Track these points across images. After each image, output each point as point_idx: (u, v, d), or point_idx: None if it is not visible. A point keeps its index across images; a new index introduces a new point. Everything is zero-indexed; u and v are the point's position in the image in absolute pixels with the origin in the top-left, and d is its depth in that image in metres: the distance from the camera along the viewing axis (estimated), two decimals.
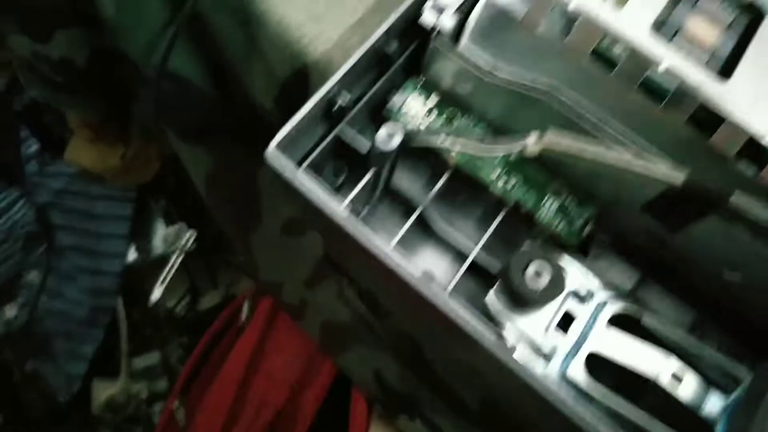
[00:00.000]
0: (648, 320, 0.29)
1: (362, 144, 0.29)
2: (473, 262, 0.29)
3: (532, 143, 0.27)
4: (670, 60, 0.27)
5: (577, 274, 0.29)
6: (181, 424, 0.82)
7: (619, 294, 0.30)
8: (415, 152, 0.30)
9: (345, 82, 0.28)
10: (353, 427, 0.75)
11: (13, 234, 0.95)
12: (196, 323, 1.02)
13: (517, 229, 0.30)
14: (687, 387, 0.27)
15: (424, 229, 0.30)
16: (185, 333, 1.05)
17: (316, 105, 0.27)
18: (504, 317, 0.28)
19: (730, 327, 0.30)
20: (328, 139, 0.28)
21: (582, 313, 0.29)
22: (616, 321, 0.29)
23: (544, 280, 0.27)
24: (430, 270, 0.26)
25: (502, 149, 0.27)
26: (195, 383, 0.84)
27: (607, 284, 0.30)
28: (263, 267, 0.67)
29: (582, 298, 0.29)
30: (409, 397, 0.61)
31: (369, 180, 0.28)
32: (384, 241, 0.26)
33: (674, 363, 0.27)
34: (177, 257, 0.99)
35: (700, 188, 0.26)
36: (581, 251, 0.31)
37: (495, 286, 0.28)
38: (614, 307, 0.29)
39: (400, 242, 0.29)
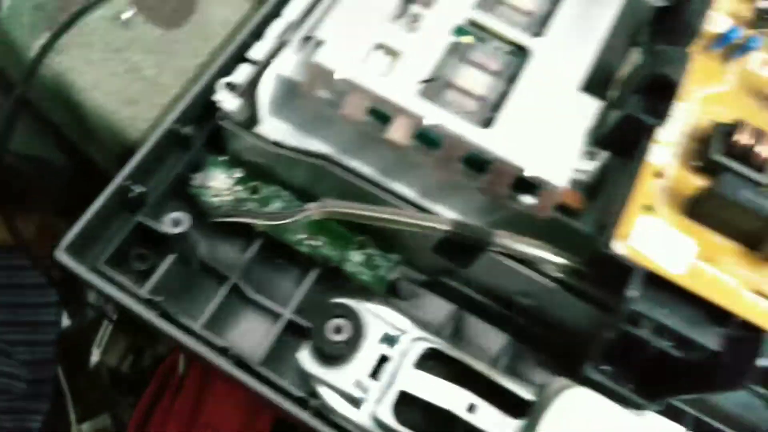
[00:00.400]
0: (455, 354, 0.31)
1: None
2: (295, 322, 0.31)
3: (313, 211, 0.29)
4: (435, 116, 0.29)
5: (388, 318, 0.31)
6: None
7: (434, 331, 0.32)
8: (227, 225, 0.32)
9: (140, 171, 0.30)
10: None
11: None
12: (142, 380, 1.01)
13: (333, 285, 0.32)
14: (483, 417, 0.29)
15: (239, 300, 0.32)
16: (133, 391, 1.05)
17: (107, 199, 0.29)
18: (316, 373, 0.29)
19: (543, 347, 0.33)
20: (129, 227, 0.30)
21: (394, 355, 0.31)
22: (433, 357, 0.31)
23: (346, 332, 0.29)
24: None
25: (289, 219, 0.29)
26: None
27: (425, 323, 0.32)
28: None
29: (393, 341, 0.31)
30: None
31: (174, 261, 0.30)
32: (192, 321, 0.28)
33: (468, 396, 0.29)
34: (111, 316, 0.99)
35: (464, 234, 0.28)
36: (396, 296, 0.33)
37: (304, 346, 0.30)
38: (422, 346, 0.31)
39: (218, 314, 0.31)
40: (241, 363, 0.29)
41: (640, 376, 0.30)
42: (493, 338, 0.33)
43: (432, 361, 0.31)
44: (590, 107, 0.31)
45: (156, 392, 0.87)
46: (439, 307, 0.34)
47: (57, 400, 0.96)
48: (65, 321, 0.98)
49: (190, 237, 0.29)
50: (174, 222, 0.28)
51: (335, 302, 0.30)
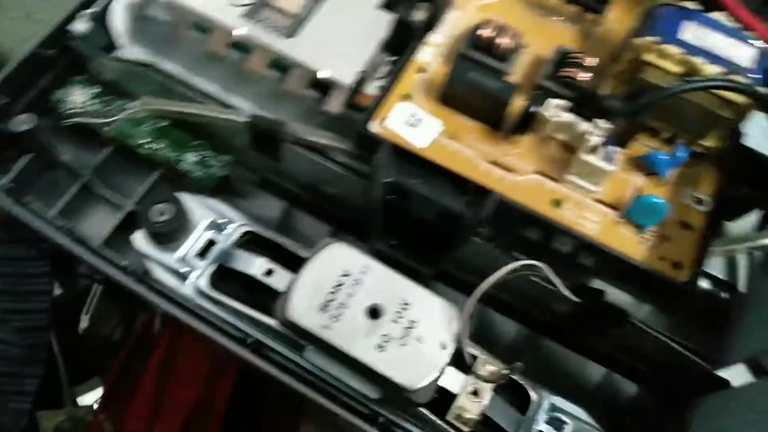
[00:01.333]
0: (268, 234, 0.36)
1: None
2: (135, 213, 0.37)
3: (136, 108, 0.35)
4: (244, 29, 0.35)
5: (218, 209, 0.37)
6: None
7: (267, 225, 0.37)
8: (83, 133, 0.38)
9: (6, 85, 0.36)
10: (266, 406, 0.82)
11: None
12: None
13: (175, 184, 0.38)
14: (278, 278, 0.34)
15: (90, 195, 0.38)
16: None
17: None
18: (145, 251, 0.35)
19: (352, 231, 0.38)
20: None
21: (220, 239, 0.36)
22: (254, 242, 0.37)
23: (168, 215, 0.35)
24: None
25: (117, 116, 0.35)
26: (119, 394, 0.91)
27: (259, 218, 0.38)
28: None
29: (221, 228, 0.36)
30: None
31: (31, 160, 0.36)
32: (46, 209, 0.34)
33: (264, 263, 0.34)
34: (97, 287, 1.06)
35: (261, 124, 0.34)
36: (233, 193, 0.39)
37: (138, 229, 0.35)
38: (242, 230, 0.36)
39: (71, 206, 0.37)
40: (82, 243, 0.35)
41: (415, 247, 0.34)
42: (314, 227, 0.38)
43: (252, 244, 0.37)
44: (384, 20, 0.36)
45: (132, 350, 0.94)
46: (271, 204, 0.39)
47: (51, 365, 1.04)
48: (57, 290, 1.06)
49: (41, 137, 0.35)
50: (20, 122, 0.34)
51: (161, 191, 0.35)
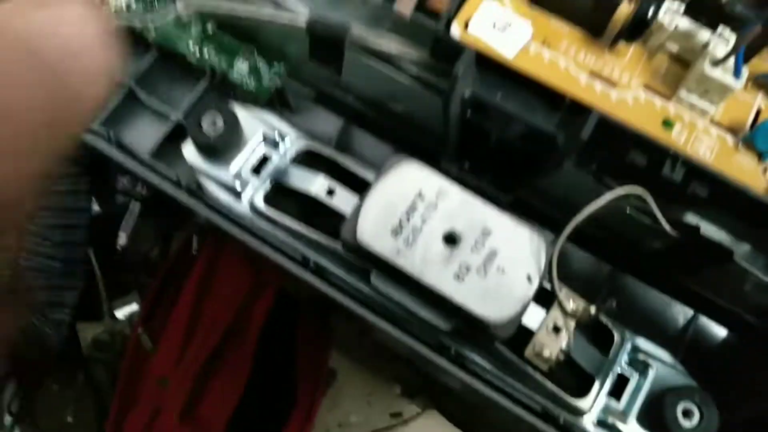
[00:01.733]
0: (328, 152, 0.33)
1: None
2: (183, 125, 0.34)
3: (181, 10, 0.31)
4: None
5: (272, 122, 0.34)
6: (147, 347, 0.90)
7: (323, 141, 0.34)
8: (125, 35, 0.34)
9: None
10: (301, 332, 0.82)
11: None
12: None
13: (223, 94, 0.35)
14: (340, 199, 0.31)
15: (135, 104, 0.34)
16: None
17: None
18: (197, 164, 0.32)
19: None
20: None
21: (275, 155, 0.33)
22: (311, 159, 0.33)
23: (220, 127, 0.32)
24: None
25: (161, 15, 0.31)
26: (156, 311, 0.91)
27: (315, 134, 0.34)
28: None
29: (275, 144, 0.33)
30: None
31: None
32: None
33: (325, 181, 0.31)
34: (134, 205, 1.06)
35: (322, 29, 0.30)
36: (287, 107, 0.35)
37: (189, 142, 0.32)
38: (299, 145, 0.33)
39: (115, 115, 0.34)
40: (131, 153, 0.32)
41: (493, 172, 0.31)
42: (374, 148, 0.35)
43: (309, 162, 0.33)
44: None
45: (170, 270, 0.94)
46: (328, 121, 0.36)
47: (90, 280, 1.05)
48: (95, 208, 1.06)
49: None
50: None
51: (212, 101, 0.32)
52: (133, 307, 1.09)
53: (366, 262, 0.28)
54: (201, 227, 0.91)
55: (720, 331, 0.35)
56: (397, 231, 0.27)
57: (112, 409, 0.82)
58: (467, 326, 0.28)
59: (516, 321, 0.27)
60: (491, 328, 0.26)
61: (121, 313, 1.09)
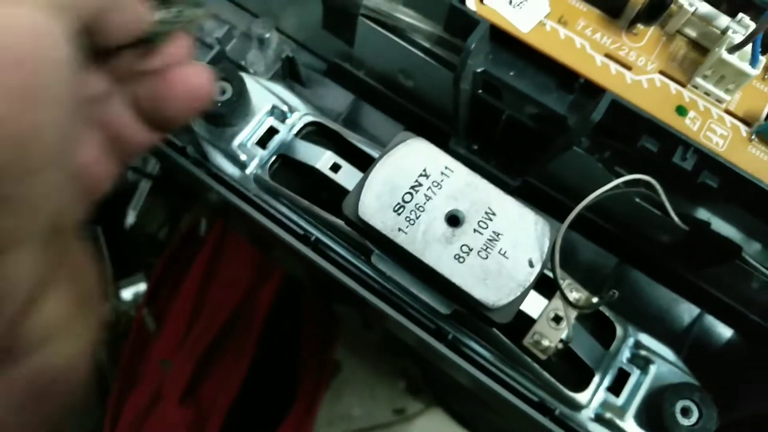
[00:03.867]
0: (335, 126, 0.32)
1: None
2: None
3: None
4: None
5: (281, 94, 0.33)
6: (151, 329, 0.90)
7: (332, 117, 0.33)
8: None
9: None
10: (305, 320, 0.82)
11: None
12: None
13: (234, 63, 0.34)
14: (345, 175, 0.30)
15: None
16: None
17: None
18: (201, 132, 0.32)
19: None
20: None
21: (282, 128, 0.33)
22: (318, 134, 0.33)
23: (227, 95, 0.31)
24: None
25: None
26: (161, 292, 0.92)
27: (324, 109, 0.34)
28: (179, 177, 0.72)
29: (283, 117, 0.33)
30: (330, 284, 0.65)
31: None
32: None
33: (331, 156, 0.31)
34: (145, 184, 1.06)
35: None
36: (297, 81, 0.35)
37: None
38: (306, 119, 0.32)
39: None
40: None
41: (501, 155, 0.30)
42: (383, 126, 0.34)
43: (316, 136, 0.33)
44: None
45: (177, 250, 0.94)
46: (337, 96, 0.35)
47: (96, 259, 1.06)
48: None
49: None
50: None
51: (220, 66, 0.32)
52: (139, 288, 1.10)
53: (366, 238, 0.28)
54: (210, 209, 0.91)
55: (725, 332, 0.34)
56: (399, 208, 0.27)
57: (114, 389, 0.82)
58: (466, 310, 0.27)
59: (516, 306, 0.26)
60: (490, 311, 0.26)
61: (126, 293, 1.09)
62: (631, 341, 0.31)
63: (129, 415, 0.79)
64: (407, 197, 0.27)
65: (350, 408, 0.85)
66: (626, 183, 0.26)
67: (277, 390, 0.83)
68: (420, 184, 0.27)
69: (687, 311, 0.34)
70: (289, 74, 0.34)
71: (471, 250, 0.26)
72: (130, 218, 1.04)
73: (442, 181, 0.27)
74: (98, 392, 0.97)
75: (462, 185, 0.27)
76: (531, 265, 0.26)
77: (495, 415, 0.46)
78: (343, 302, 0.70)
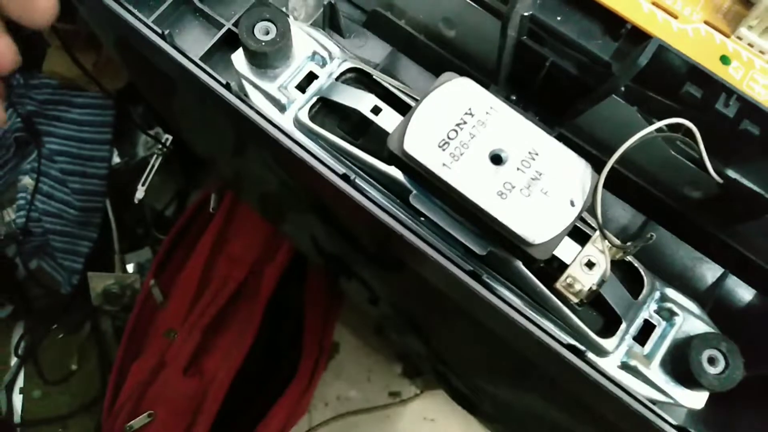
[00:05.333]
0: (375, 74, 0.33)
1: None
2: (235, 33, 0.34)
3: None
4: None
5: (321, 40, 0.34)
6: (158, 300, 0.90)
7: (362, 60, 0.34)
8: None
9: None
10: (309, 299, 0.82)
11: (5, 142, 1.03)
12: None
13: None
14: (386, 118, 0.31)
15: (186, 7, 0.34)
16: None
17: None
18: (245, 72, 0.32)
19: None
20: None
21: (323, 73, 0.33)
22: (357, 80, 0.33)
23: (272, 35, 0.32)
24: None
25: None
26: (169, 265, 0.92)
27: (362, 60, 0.34)
28: (195, 140, 0.73)
29: (323, 63, 0.33)
30: (340, 258, 0.65)
31: None
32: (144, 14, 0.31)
33: (372, 99, 0.31)
34: (156, 159, 1.07)
35: None
36: (337, 31, 0.35)
37: (239, 49, 0.32)
38: (346, 65, 0.33)
39: (165, 16, 0.34)
40: (182, 53, 0.32)
41: (540, 106, 0.31)
42: (420, 79, 0.35)
43: (355, 83, 0.33)
44: None
45: (186, 225, 0.95)
46: (376, 48, 0.36)
47: (104, 233, 1.06)
48: (116, 159, 1.07)
49: None
50: None
51: (265, 8, 0.32)
52: (145, 261, 1.10)
53: (409, 174, 0.28)
54: (221, 184, 0.91)
55: (746, 294, 0.35)
56: (444, 144, 0.27)
57: (117, 357, 0.83)
58: (505, 248, 0.28)
59: (555, 243, 0.27)
60: (530, 247, 0.26)
61: (131, 266, 1.09)
62: (657, 294, 0.31)
63: (132, 382, 0.79)
64: (452, 134, 0.27)
65: (347, 389, 0.86)
66: (665, 130, 0.27)
67: (278, 366, 0.84)
68: (465, 122, 0.27)
69: (710, 271, 0.34)
70: (328, 23, 0.35)
71: (513, 187, 0.27)
72: (139, 193, 1.05)
73: (486, 120, 0.28)
74: (99, 363, 0.97)
75: (507, 124, 0.28)
76: (572, 204, 0.27)
77: (503, 389, 0.46)
78: (351, 276, 0.70)
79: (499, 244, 0.28)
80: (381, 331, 0.83)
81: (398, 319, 0.67)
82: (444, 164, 0.27)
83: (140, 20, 0.31)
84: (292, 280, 0.84)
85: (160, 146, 1.07)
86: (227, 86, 0.31)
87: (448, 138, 0.27)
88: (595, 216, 0.26)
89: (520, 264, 0.28)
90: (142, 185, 1.07)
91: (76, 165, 1.05)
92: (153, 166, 1.07)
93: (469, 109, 0.28)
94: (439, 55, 0.34)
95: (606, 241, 0.27)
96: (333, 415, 0.82)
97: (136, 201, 1.07)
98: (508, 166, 0.27)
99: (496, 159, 0.27)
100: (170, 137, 1.06)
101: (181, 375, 0.80)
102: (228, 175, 0.74)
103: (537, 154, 0.27)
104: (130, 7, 0.31)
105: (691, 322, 0.31)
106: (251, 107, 0.31)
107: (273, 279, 0.84)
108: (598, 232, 0.29)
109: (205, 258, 0.86)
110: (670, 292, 0.32)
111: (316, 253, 0.72)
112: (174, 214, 1.12)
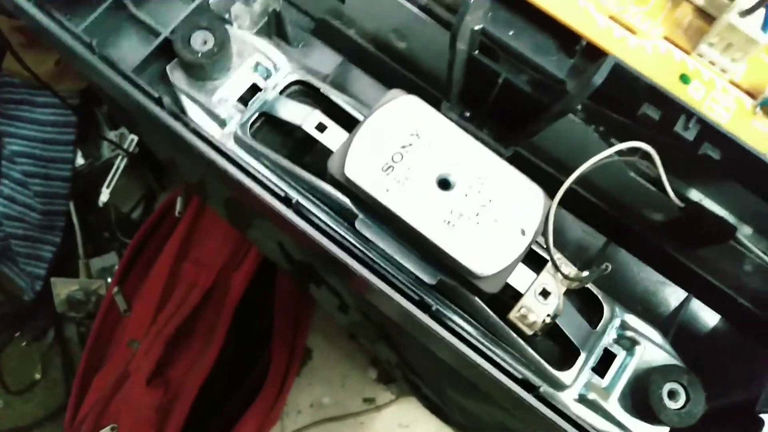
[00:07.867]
0: (321, 86, 0.31)
1: None
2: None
3: None
4: None
5: (266, 51, 0.31)
6: (121, 308, 0.88)
7: (308, 72, 0.32)
8: None
9: None
10: (278, 304, 0.80)
11: None
12: None
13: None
14: (331, 136, 0.29)
15: (122, 14, 0.32)
16: None
17: None
18: (180, 85, 0.30)
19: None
20: None
21: (266, 85, 0.31)
22: (303, 94, 0.31)
23: (209, 45, 0.30)
24: None
25: None
26: (134, 270, 0.89)
27: (311, 71, 0.32)
28: (153, 145, 0.70)
29: (267, 74, 0.31)
30: (308, 265, 0.63)
31: None
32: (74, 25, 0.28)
33: (318, 115, 0.29)
34: (121, 161, 1.03)
35: None
36: (284, 40, 0.33)
37: (174, 60, 0.30)
38: (291, 78, 0.31)
39: (99, 22, 0.31)
40: (111, 64, 0.30)
41: (494, 122, 0.29)
42: (371, 90, 0.33)
43: (300, 97, 0.31)
44: None
45: (150, 229, 0.92)
46: (324, 57, 0.34)
47: (68, 236, 1.03)
48: (80, 160, 1.03)
49: None
50: None
51: (204, 17, 0.30)
52: (110, 266, 1.07)
53: (351, 199, 0.26)
54: (187, 186, 0.89)
55: (710, 318, 0.33)
56: (388, 169, 0.25)
57: (80, 368, 0.80)
58: (453, 278, 0.26)
59: (505, 275, 0.25)
60: (478, 280, 0.24)
61: (97, 273, 1.06)
62: (617, 322, 0.30)
63: (94, 394, 0.76)
64: (396, 157, 0.25)
65: (320, 396, 0.84)
66: (623, 152, 0.25)
67: (248, 375, 0.81)
68: (410, 144, 0.26)
69: (674, 295, 0.33)
70: (275, 31, 0.33)
71: (462, 215, 0.25)
72: (104, 196, 1.02)
73: (433, 141, 0.26)
74: (64, 372, 0.94)
75: (455, 147, 0.26)
76: (523, 233, 0.25)
77: (470, 401, 0.45)
78: (320, 283, 0.68)
79: (448, 274, 0.26)
80: (355, 337, 0.81)
81: (368, 328, 0.66)
82: (387, 190, 0.25)
83: (67, 29, 0.29)
84: (261, 283, 0.82)
85: (124, 148, 1.04)
86: (159, 100, 0.29)
87: (393, 161, 0.25)
88: (547, 247, 0.25)
89: (470, 294, 0.26)
90: (107, 187, 1.03)
91: (39, 167, 1.01)
92: (118, 167, 1.04)
93: (416, 129, 0.26)
94: (390, 67, 0.32)
95: (559, 273, 0.25)
96: (306, 423, 0.80)
97: (100, 204, 1.03)
98: (456, 191, 0.25)
99: (444, 184, 0.25)
100: (135, 138, 1.03)
101: (145, 386, 0.77)
102: (192, 180, 0.72)
103: (487, 179, 0.25)
104: (57, 15, 0.29)
105: (653, 351, 0.30)
106: (185, 123, 0.29)
107: (241, 286, 0.82)
108: (555, 257, 0.27)
109: (170, 264, 0.83)
110: (631, 320, 0.30)
111: (284, 260, 0.70)
112: (141, 217, 1.09)
